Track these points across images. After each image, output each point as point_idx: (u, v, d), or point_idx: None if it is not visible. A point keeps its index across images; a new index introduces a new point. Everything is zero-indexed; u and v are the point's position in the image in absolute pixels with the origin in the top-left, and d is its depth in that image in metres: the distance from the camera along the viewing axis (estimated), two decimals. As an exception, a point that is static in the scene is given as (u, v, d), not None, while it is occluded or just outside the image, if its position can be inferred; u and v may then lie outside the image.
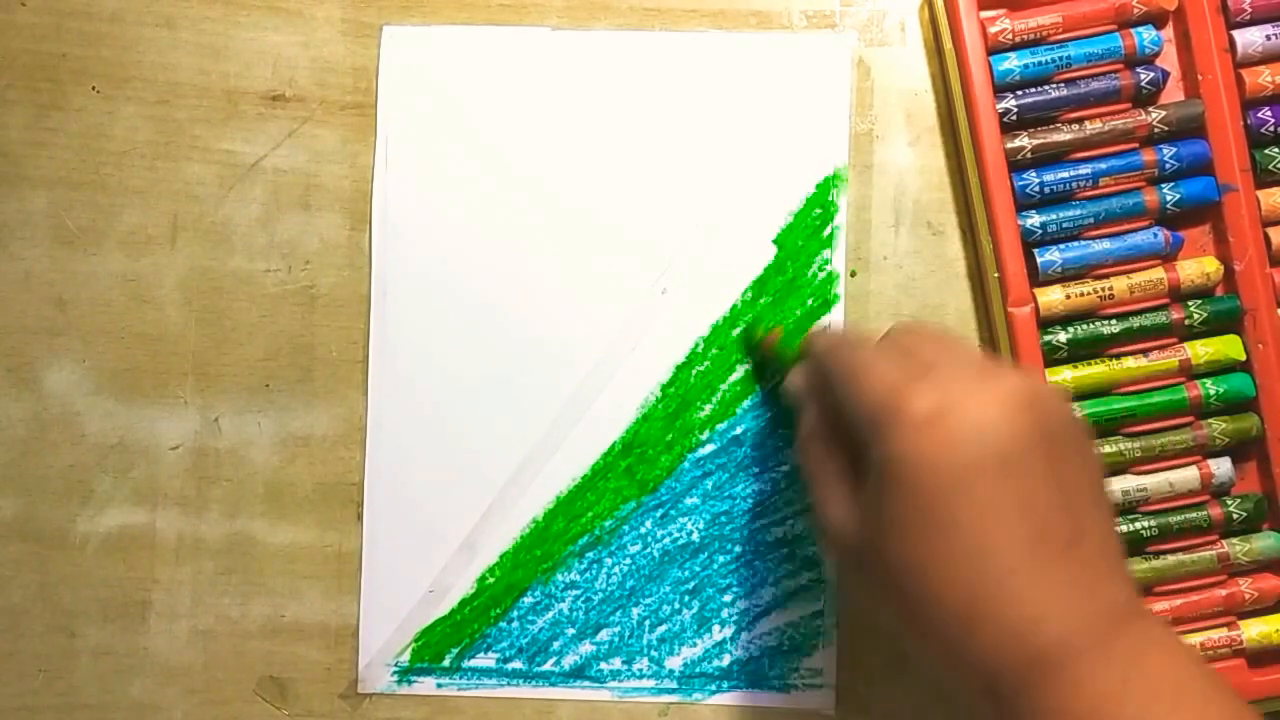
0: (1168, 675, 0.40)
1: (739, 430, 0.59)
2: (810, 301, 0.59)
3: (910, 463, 0.42)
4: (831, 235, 0.59)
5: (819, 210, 0.59)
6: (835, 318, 0.59)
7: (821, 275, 0.59)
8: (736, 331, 0.59)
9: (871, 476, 0.44)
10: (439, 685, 0.59)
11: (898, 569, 0.43)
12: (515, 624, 0.59)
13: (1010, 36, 0.56)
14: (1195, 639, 0.56)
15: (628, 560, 0.59)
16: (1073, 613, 0.41)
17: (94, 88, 0.59)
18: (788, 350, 0.56)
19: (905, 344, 0.47)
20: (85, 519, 0.59)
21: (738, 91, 0.59)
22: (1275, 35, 0.57)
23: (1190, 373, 0.56)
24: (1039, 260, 0.56)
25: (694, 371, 0.59)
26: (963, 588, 0.41)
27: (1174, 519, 0.56)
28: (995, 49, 0.57)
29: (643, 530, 0.59)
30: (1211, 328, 0.56)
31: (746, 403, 0.59)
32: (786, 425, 0.59)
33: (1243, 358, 0.56)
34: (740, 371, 0.59)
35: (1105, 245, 0.56)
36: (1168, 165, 0.56)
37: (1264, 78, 0.57)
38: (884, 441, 0.43)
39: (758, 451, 0.59)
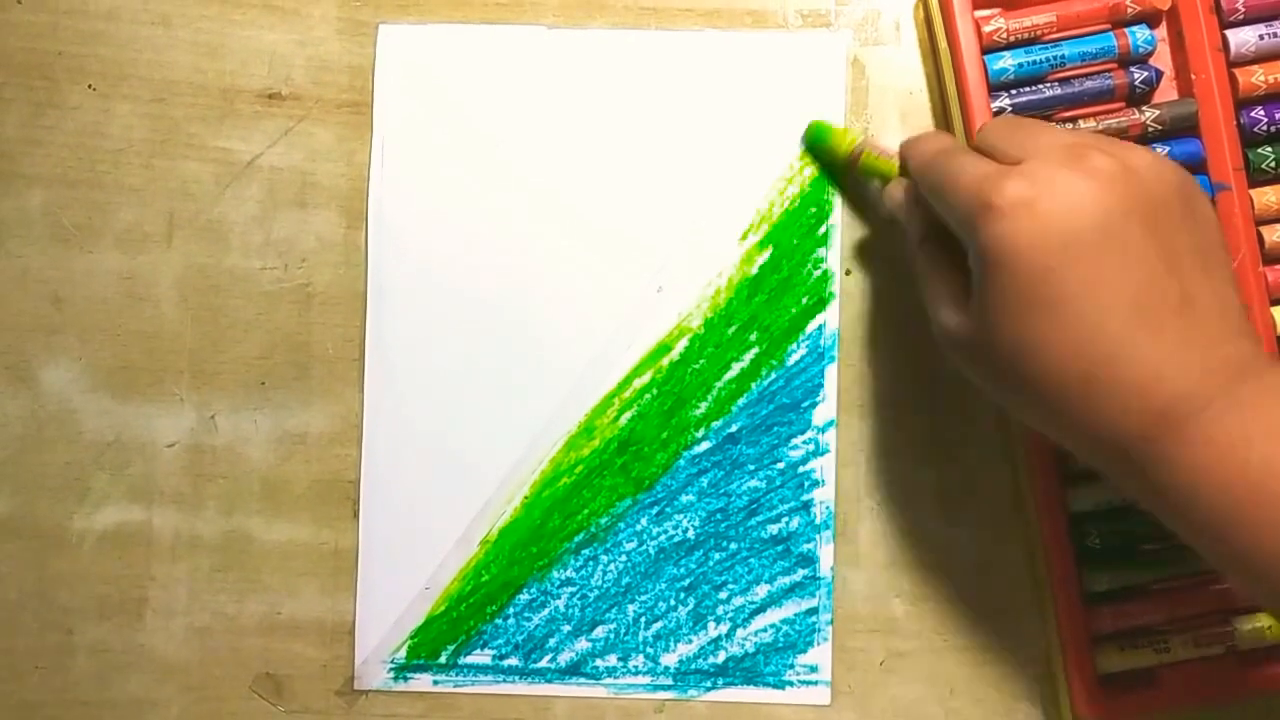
0: None
1: (734, 428, 0.59)
2: (805, 300, 0.59)
3: (1008, 249, 0.43)
4: (827, 234, 0.59)
5: (814, 209, 0.59)
6: (830, 318, 0.59)
7: (816, 274, 0.59)
8: (802, 135, 0.60)
9: (975, 271, 0.45)
10: (435, 682, 0.59)
11: (1010, 354, 0.44)
12: (511, 621, 0.59)
13: (1004, 36, 0.57)
14: (1187, 635, 0.56)
15: (623, 557, 0.59)
16: (1190, 369, 0.42)
17: (90, 86, 0.59)
18: (879, 165, 0.57)
19: (994, 141, 0.47)
20: (82, 516, 0.59)
21: (733, 90, 0.59)
22: (1268, 35, 0.57)
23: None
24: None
25: (689, 369, 0.59)
26: (1077, 361, 0.42)
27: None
28: (990, 48, 0.57)
29: (638, 527, 0.59)
30: (1205, 325, 0.56)
31: (742, 400, 0.59)
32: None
33: (1237, 356, 0.56)
34: (736, 370, 0.59)
35: (1100, 243, 0.56)
36: (1161, 164, 0.56)
37: (1257, 77, 0.57)
38: (981, 233, 0.44)
39: (753, 449, 0.59)
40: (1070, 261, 0.42)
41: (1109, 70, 0.57)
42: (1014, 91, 0.57)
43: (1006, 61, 0.56)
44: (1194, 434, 0.41)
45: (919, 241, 0.52)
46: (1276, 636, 0.56)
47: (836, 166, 0.59)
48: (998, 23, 0.57)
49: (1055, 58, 0.57)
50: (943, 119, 0.59)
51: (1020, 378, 0.44)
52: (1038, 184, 0.43)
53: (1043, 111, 0.57)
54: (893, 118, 0.59)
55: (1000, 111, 0.56)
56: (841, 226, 0.59)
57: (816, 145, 0.59)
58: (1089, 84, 0.57)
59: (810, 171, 0.59)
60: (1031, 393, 0.44)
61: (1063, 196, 0.43)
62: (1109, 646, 0.56)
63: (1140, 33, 0.57)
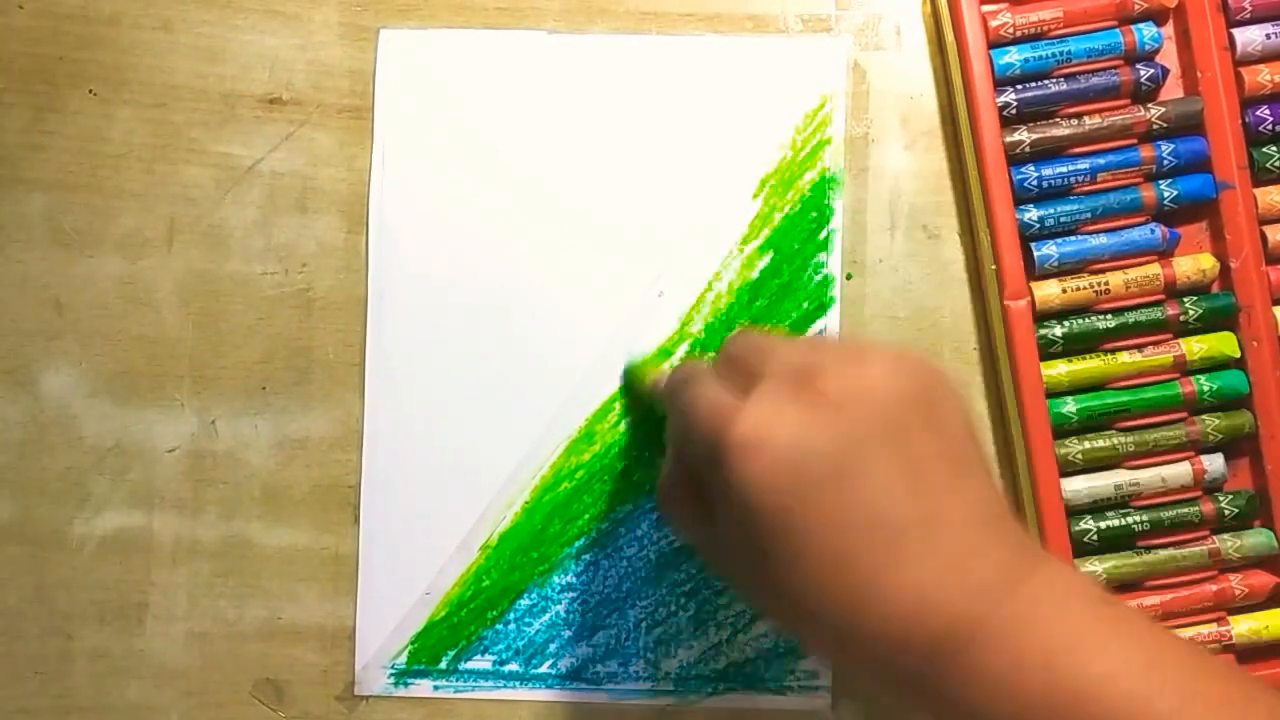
0: (1074, 615, 0.39)
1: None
2: (806, 305, 0.59)
3: (743, 492, 0.40)
4: (827, 239, 0.59)
5: (815, 214, 0.59)
6: (831, 321, 0.58)
7: (817, 279, 0.59)
8: (619, 379, 0.59)
9: (720, 512, 0.43)
10: (435, 688, 0.59)
11: (781, 598, 0.42)
12: (512, 626, 0.59)
13: (1011, 31, 0.56)
14: (1185, 634, 0.55)
15: (624, 563, 0.59)
16: (953, 591, 0.39)
17: (91, 90, 0.59)
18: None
19: (733, 360, 0.45)
20: (82, 521, 0.59)
21: (733, 95, 0.59)
22: (1275, 34, 0.57)
23: (1184, 369, 0.56)
24: (1036, 254, 0.56)
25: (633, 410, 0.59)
26: (840, 599, 0.40)
27: (1166, 514, 0.56)
28: (996, 43, 0.57)
29: (639, 533, 0.59)
30: (1206, 324, 0.56)
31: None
32: None
33: (1237, 355, 0.56)
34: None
35: (1102, 240, 0.56)
36: (1166, 162, 0.56)
37: (1263, 76, 0.56)
38: (718, 474, 0.41)
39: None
40: (806, 498, 0.40)
41: (1115, 67, 0.57)
42: (1019, 87, 0.57)
43: (1013, 57, 0.56)
44: (976, 656, 0.39)
45: (665, 481, 0.49)
46: (1274, 636, 0.56)
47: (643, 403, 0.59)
48: (1004, 17, 0.56)
49: (1061, 53, 0.56)
50: (948, 115, 0.59)
51: (798, 617, 0.42)
52: (766, 415, 0.41)
53: (1048, 106, 0.57)
54: (894, 122, 0.59)
55: (1006, 106, 0.56)
56: (843, 231, 0.59)
57: (631, 383, 0.59)
58: (1095, 80, 0.57)
59: (811, 176, 0.59)
60: (813, 630, 0.42)
61: (791, 431, 0.40)
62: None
63: (1147, 30, 0.57)
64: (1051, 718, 0.38)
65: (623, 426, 0.59)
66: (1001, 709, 0.39)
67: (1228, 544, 0.56)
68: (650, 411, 0.59)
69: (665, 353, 0.59)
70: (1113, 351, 0.56)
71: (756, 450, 0.40)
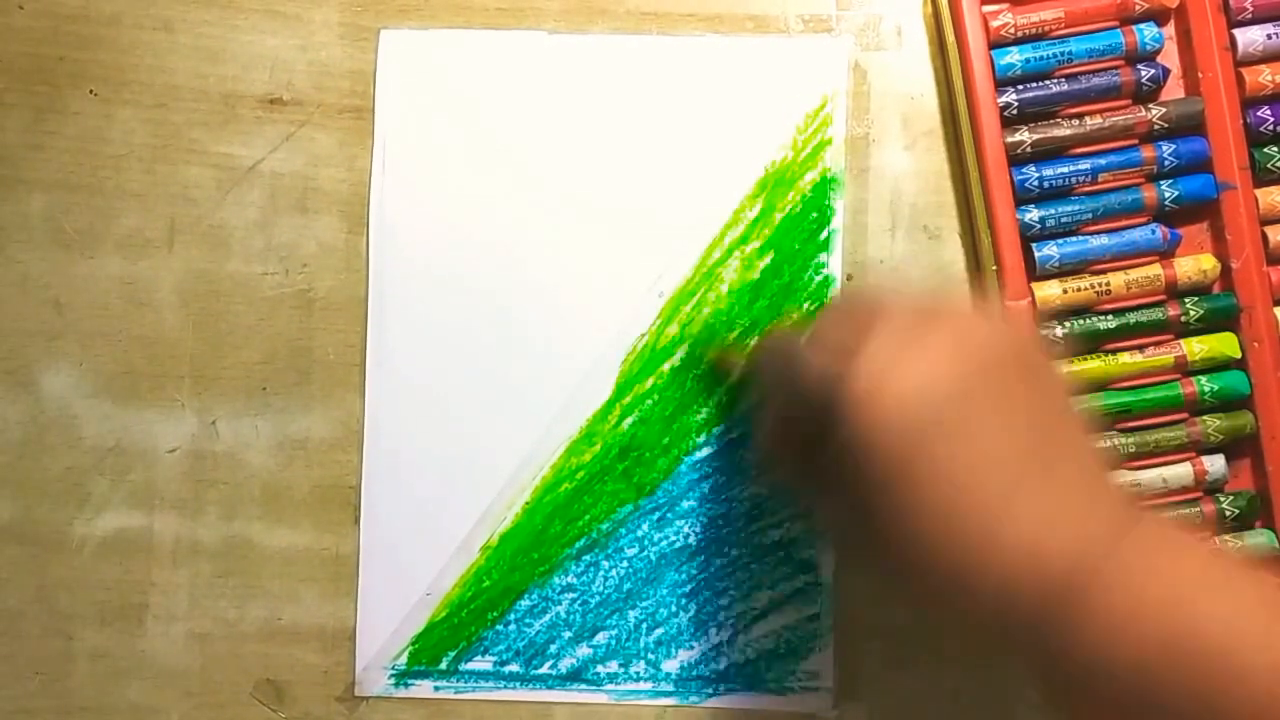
0: (1185, 563, 0.40)
1: (735, 434, 0.58)
2: (807, 305, 0.59)
3: (862, 443, 0.41)
4: (828, 239, 0.59)
5: (815, 214, 0.59)
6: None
7: (818, 279, 0.59)
8: (678, 356, 0.59)
9: (838, 467, 0.43)
10: (436, 688, 0.59)
11: (893, 550, 0.42)
12: (512, 627, 0.59)
13: (1012, 31, 0.56)
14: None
15: (625, 563, 0.59)
16: (1071, 532, 0.40)
17: (92, 91, 0.59)
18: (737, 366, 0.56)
19: (836, 322, 0.46)
20: (82, 522, 0.59)
21: (734, 95, 0.59)
22: (1276, 35, 0.57)
23: (1185, 369, 0.56)
24: (1037, 255, 0.56)
25: (690, 375, 0.59)
26: (954, 549, 0.41)
27: (1167, 515, 0.56)
28: (997, 43, 0.57)
29: (639, 533, 0.59)
30: (1207, 325, 0.56)
31: (744, 406, 0.59)
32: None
33: (1238, 355, 0.56)
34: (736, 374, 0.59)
35: (1103, 241, 0.56)
36: (1167, 162, 0.56)
37: (1264, 77, 0.56)
38: (836, 429, 0.42)
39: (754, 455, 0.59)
40: (925, 448, 0.41)
41: (1116, 67, 0.57)
42: (1020, 87, 0.57)
43: (1014, 57, 0.56)
44: (1095, 602, 0.39)
45: (773, 443, 0.49)
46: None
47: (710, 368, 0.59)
48: (1005, 18, 0.56)
49: (1062, 54, 0.56)
50: (949, 115, 0.59)
51: (908, 570, 0.43)
52: (881, 366, 0.41)
53: (1049, 107, 0.57)
54: (895, 122, 0.59)
55: (1007, 107, 0.56)
56: (843, 231, 0.59)
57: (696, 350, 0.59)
58: (1096, 80, 0.57)
59: (812, 176, 0.59)
60: (922, 583, 0.43)
61: (909, 378, 0.41)
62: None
63: (1148, 30, 0.57)
64: (1169, 659, 0.38)
65: (625, 425, 0.59)
66: (1118, 654, 0.39)
67: (1229, 545, 0.55)
68: (714, 376, 0.59)
69: (666, 353, 0.59)
70: (1114, 352, 0.56)
71: (875, 400, 0.41)
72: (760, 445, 0.50)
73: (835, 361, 0.43)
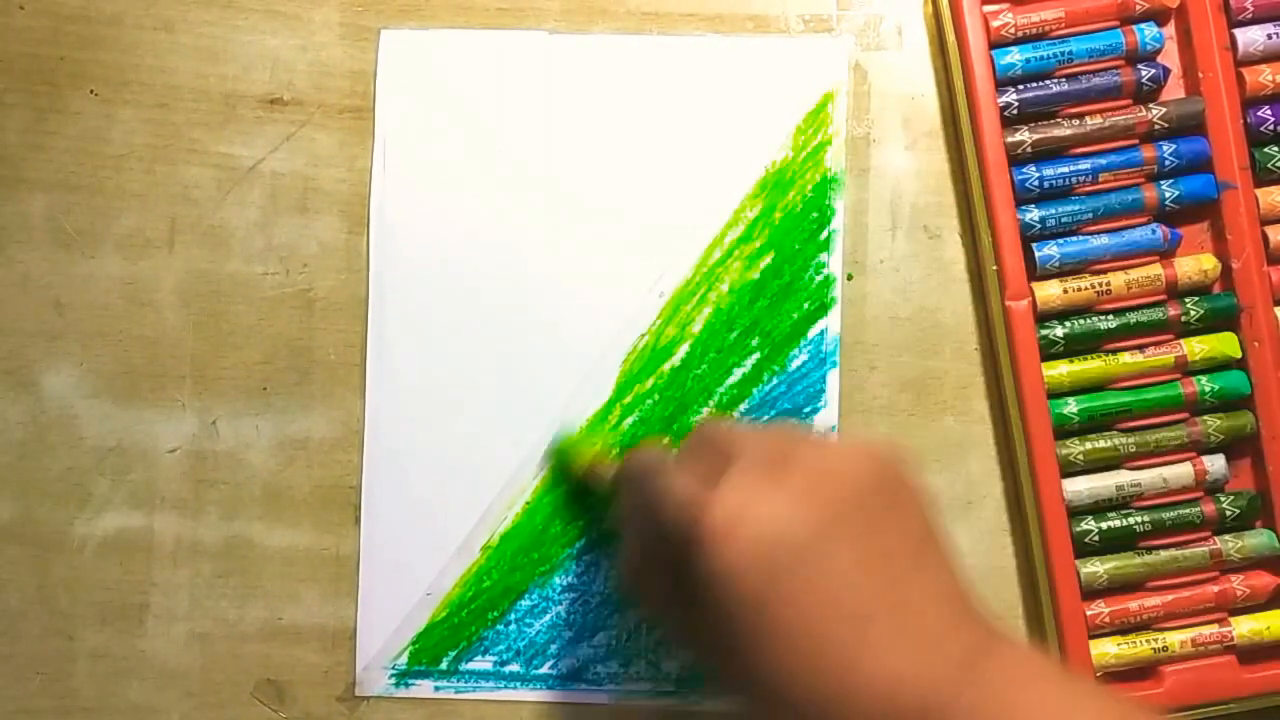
0: (1037, 695, 0.40)
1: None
2: (807, 305, 0.59)
3: (719, 578, 0.41)
4: (829, 239, 0.59)
5: (816, 214, 0.59)
6: (832, 321, 0.58)
7: (818, 279, 0.59)
8: (546, 451, 0.59)
9: (697, 598, 0.43)
10: (436, 688, 0.59)
11: (754, 682, 0.42)
12: (513, 627, 0.59)
13: (1013, 31, 0.57)
14: (1186, 635, 0.56)
15: (625, 563, 0.59)
16: (927, 668, 0.40)
17: (92, 91, 0.59)
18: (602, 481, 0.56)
19: (700, 449, 0.46)
20: (83, 522, 0.59)
21: (734, 95, 0.59)
22: (1276, 34, 0.57)
23: (1186, 369, 0.56)
24: (1037, 255, 0.56)
25: (691, 375, 0.59)
26: (813, 684, 0.40)
27: (1167, 515, 0.56)
28: (998, 43, 0.57)
29: (640, 533, 0.59)
30: (1208, 325, 0.56)
31: (744, 406, 0.59)
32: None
33: (1238, 355, 0.56)
34: (737, 375, 0.59)
35: (1103, 240, 0.56)
36: (1167, 162, 0.56)
37: (1264, 76, 0.57)
38: (694, 561, 0.42)
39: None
40: (778, 585, 0.40)
41: (1116, 67, 0.57)
42: (1021, 87, 0.57)
43: (1014, 57, 0.56)
44: None
45: (631, 567, 0.49)
46: (1275, 636, 0.56)
47: (576, 480, 0.59)
48: (1006, 17, 0.57)
49: (1063, 53, 0.56)
50: (950, 115, 0.59)
51: (759, 701, 0.43)
52: (740, 501, 0.41)
53: (1050, 106, 0.57)
54: (895, 123, 0.59)
55: (1007, 106, 0.56)
56: (844, 231, 0.59)
57: (562, 461, 0.59)
58: (1096, 80, 0.57)
59: (812, 176, 0.59)
60: (782, 707, 0.42)
61: (763, 518, 0.41)
62: (1107, 644, 0.56)
63: (1148, 30, 0.57)
64: None
65: (625, 425, 0.59)
66: None
67: (1229, 545, 0.56)
68: (583, 488, 0.59)
69: (666, 353, 0.59)
70: (1114, 352, 0.56)
71: (730, 538, 0.41)
72: (622, 569, 0.50)
73: (692, 496, 0.43)
